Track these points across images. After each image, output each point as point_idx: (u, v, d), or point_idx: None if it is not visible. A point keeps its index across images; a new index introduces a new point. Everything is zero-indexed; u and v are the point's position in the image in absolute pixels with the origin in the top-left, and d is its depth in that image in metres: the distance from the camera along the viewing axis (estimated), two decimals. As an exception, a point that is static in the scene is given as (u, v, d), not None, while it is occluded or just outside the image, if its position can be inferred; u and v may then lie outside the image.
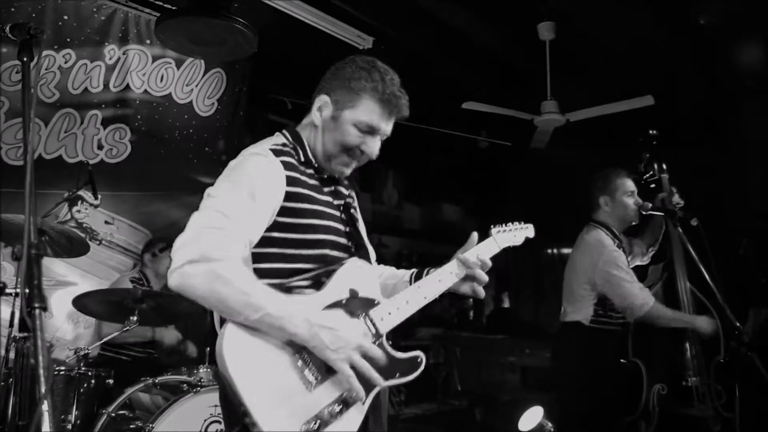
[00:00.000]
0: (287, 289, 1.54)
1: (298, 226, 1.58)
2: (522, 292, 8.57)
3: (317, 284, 1.57)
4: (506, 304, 8.84)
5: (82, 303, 3.32)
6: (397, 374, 1.56)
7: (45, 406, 1.12)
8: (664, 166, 3.20)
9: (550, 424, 3.25)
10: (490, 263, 1.80)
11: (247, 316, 1.38)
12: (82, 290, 3.57)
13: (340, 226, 1.68)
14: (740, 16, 4.79)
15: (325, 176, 1.72)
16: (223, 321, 1.45)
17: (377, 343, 1.55)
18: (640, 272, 3.28)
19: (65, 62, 4.35)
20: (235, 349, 1.38)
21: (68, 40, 4.36)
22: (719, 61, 5.46)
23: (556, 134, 5.58)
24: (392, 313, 1.61)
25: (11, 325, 2.91)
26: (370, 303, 1.60)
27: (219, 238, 1.40)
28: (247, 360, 1.38)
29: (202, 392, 2.88)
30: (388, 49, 5.26)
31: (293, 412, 1.38)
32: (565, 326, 3.16)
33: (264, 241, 1.55)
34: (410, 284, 1.81)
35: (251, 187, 1.50)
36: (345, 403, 1.45)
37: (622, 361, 2.94)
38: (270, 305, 1.38)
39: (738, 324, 2.74)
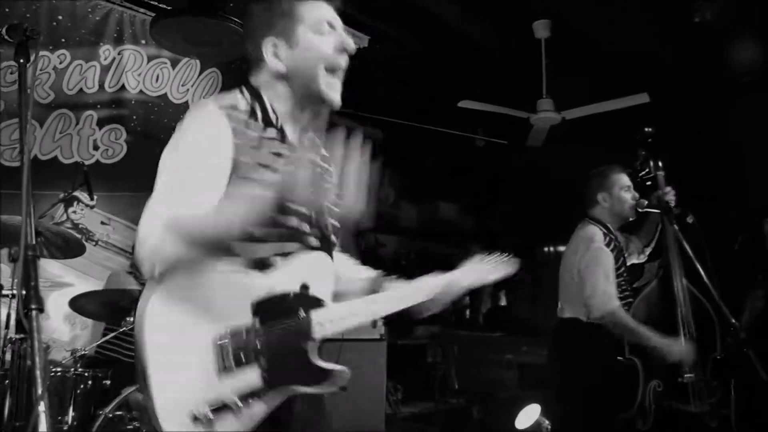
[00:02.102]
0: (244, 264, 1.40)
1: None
2: (519, 290, 8.58)
3: (266, 265, 1.41)
4: (503, 302, 8.85)
5: (78, 304, 3.31)
6: (312, 383, 1.40)
7: (42, 407, 1.12)
8: (660, 164, 3.21)
9: (547, 422, 3.26)
10: (448, 300, 1.73)
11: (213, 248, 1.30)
12: (79, 291, 3.56)
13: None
14: (735, 13, 4.81)
15: (289, 138, 1.52)
16: None
17: (308, 346, 1.41)
18: (636, 270, 3.29)
19: (60, 63, 4.34)
20: (161, 312, 1.28)
21: (63, 40, 4.35)
22: (715, 58, 5.47)
23: (552, 132, 5.59)
24: (334, 321, 1.46)
25: (7, 326, 2.90)
26: (316, 303, 1.45)
27: (168, 212, 1.29)
28: (169, 326, 1.29)
29: (200, 392, 2.87)
30: (384, 48, 5.26)
31: (196, 390, 1.29)
32: (561, 323, 3.17)
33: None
34: (364, 287, 1.71)
35: (199, 154, 1.37)
36: (245, 398, 1.33)
37: (618, 358, 2.94)
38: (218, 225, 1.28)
39: (734, 321, 2.75)
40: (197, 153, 1.38)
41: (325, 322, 1.44)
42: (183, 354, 1.29)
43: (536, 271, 8.36)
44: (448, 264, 1.84)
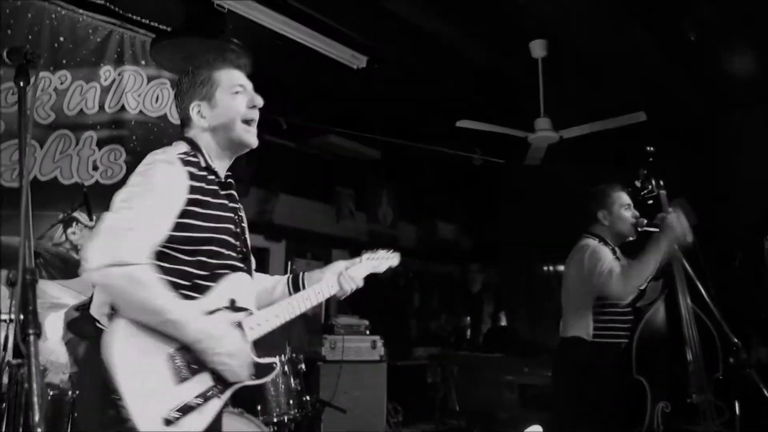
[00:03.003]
0: (184, 288, 1.68)
1: (197, 228, 1.70)
2: (518, 310, 8.54)
3: (203, 288, 1.73)
4: (503, 323, 8.81)
5: (77, 326, 3.29)
6: (253, 376, 1.76)
7: (39, 434, 1.11)
8: (662, 182, 3.20)
9: (549, 443, 3.22)
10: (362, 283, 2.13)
11: (153, 318, 1.56)
12: (76, 313, 3.53)
13: (233, 228, 1.82)
14: (729, 30, 4.86)
15: (223, 180, 1.86)
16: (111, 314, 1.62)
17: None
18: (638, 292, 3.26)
19: (61, 84, 4.36)
20: (123, 342, 1.56)
21: (64, 61, 4.38)
22: (710, 74, 5.52)
23: (550, 151, 5.60)
24: (261, 324, 1.82)
25: (5, 349, 2.88)
26: (243, 312, 1.79)
27: (133, 242, 1.55)
28: (131, 353, 1.55)
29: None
30: (382, 69, 5.30)
31: (162, 401, 1.56)
32: (564, 342, 3.10)
33: (165, 242, 1.67)
34: (288, 287, 2.10)
35: (159, 194, 1.64)
36: (205, 398, 1.64)
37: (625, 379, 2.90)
38: (173, 311, 1.57)
39: (736, 340, 2.73)
40: (159, 197, 1.64)
41: (254, 326, 1.80)
42: (146, 371, 1.56)
43: (535, 290, 8.34)
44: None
